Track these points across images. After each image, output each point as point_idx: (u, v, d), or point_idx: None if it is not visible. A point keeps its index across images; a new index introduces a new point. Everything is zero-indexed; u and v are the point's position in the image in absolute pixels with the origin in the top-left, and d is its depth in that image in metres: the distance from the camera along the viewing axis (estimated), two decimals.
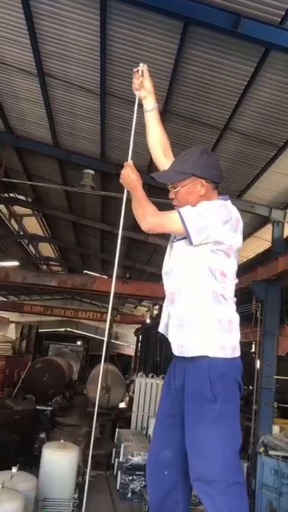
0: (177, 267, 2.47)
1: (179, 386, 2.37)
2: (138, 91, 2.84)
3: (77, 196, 11.35)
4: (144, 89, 2.84)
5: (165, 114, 6.86)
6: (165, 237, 2.71)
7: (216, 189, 2.57)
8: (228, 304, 2.40)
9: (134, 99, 2.98)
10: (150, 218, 2.43)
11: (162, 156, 2.82)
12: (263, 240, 10.35)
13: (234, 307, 2.45)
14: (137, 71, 2.85)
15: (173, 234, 2.54)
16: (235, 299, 2.47)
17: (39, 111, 8.09)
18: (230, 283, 2.43)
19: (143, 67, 2.86)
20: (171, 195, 2.59)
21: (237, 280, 2.50)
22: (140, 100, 2.90)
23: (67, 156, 9.20)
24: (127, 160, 2.75)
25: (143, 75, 2.84)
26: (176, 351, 2.41)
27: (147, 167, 7.61)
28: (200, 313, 2.34)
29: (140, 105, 2.95)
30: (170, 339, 2.47)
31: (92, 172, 9.20)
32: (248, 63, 5.49)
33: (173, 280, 2.47)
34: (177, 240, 2.53)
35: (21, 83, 7.40)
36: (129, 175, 2.58)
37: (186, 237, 2.37)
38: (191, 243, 2.33)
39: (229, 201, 2.50)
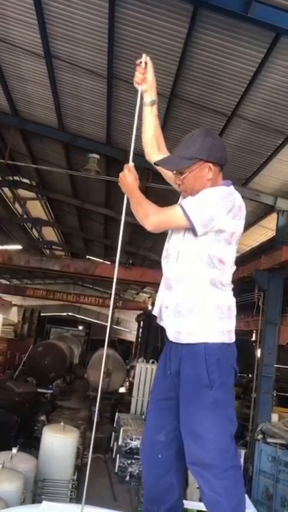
0: (176, 253, 2.45)
1: (175, 371, 2.37)
2: (139, 85, 2.68)
3: (81, 181, 11.32)
4: (146, 83, 2.67)
5: (173, 99, 6.81)
6: None
7: (222, 171, 2.52)
8: (226, 290, 2.40)
9: None
10: (153, 217, 2.37)
11: (156, 153, 2.73)
12: (267, 229, 10.31)
13: (231, 293, 2.45)
14: (140, 63, 2.69)
15: (178, 228, 2.47)
16: (232, 285, 2.47)
17: (45, 94, 8.03)
18: (229, 269, 2.42)
19: (146, 58, 2.69)
20: (177, 181, 2.53)
21: (235, 267, 2.48)
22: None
23: (72, 139, 9.15)
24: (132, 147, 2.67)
25: (146, 67, 2.68)
26: (172, 337, 2.40)
27: None
28: (198, 300, 2.33)
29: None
30: (165, 325, 2.46)
31: (97, 156, 9.14)
32: (257, 49, 5.41)
33: (171, 266, 2.45)
34: None
35: (27, 65, 7.34)
36: (126, 178, 2.49)
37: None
38: (195, 235, 2.31)
39: (232, 187, 2.46)
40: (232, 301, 2.43)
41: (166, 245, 2.55)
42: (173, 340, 2.40)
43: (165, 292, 2.46)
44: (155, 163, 2.61)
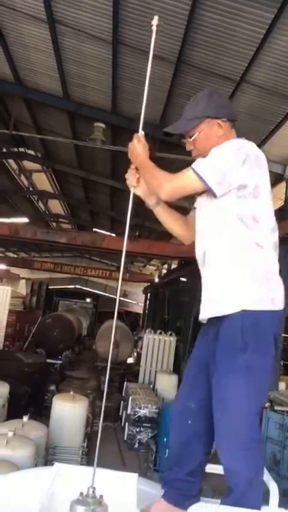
0: (205, 225, 2.34)
1: (212, 337, 2.25)
2: (135, 188, 2.46)
3: (86, 151, 11.17)
4: (143, 186, 2.45)
5: (179, 65, 6.64)
6: None
7: (234, 128, 2.41)
8: (264, 252, 2.21)
9: (147, 48, 2.71)
10: (166, 185, 2.24)
11: (188, 231, 2.56)
12: (276, 199, 10.18)
13: (272, 254, 2.24)
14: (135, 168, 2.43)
15: (194, 193, 2.34)
16: (275, 244, 2.26)
17: (49, 61, 7.87)
18: (265, 227, 2.23)
19: (157, 21, 2.42)
20: (188, 146, 2.41)
21: (275, 224, 2.27)
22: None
23: (77, 108, 8.99)
24: (140, 119, 2.48)
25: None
26: (208, 313, 2.28)
27: (159, 120, 7.44)
28: (231, 267, 2.19)
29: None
30: (202, 304, 2.32)
31: (102, 125, 8.99)
32: (267, 9, 5.21)
33: (202, 240, 2.34)
34: (199, 195, 2.38)
35: (30, 31, 7.17)
36: (136, 148, 2.34)
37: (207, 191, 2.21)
38: (214, 196, 2.17)
39: (246, 140, 2.31)
40: (271, 264, 2.24)
41: (196, 227, 2.44)
42: (208, 316, 2.28)
43: (202, 271, 2.35)
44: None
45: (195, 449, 2.30)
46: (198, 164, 2.19)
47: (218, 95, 2.45)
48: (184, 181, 2.23)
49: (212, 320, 2.28)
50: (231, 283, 2.19)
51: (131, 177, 2.46)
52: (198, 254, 2.37)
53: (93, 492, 1.88)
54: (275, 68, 6.22)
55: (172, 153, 8.07)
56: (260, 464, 2.15)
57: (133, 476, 2.16)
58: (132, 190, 2.48)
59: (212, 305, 2.27)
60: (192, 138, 2.37)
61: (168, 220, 2.60)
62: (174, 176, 2.27)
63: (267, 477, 2.12)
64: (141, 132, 2.43)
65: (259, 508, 2.02)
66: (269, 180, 2.30)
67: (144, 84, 2.52)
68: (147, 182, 2.38)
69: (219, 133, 2.33)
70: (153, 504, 2.22)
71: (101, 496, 1.89)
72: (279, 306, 2.18)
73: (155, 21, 2.44)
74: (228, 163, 2.16)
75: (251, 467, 2.08)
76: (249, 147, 2.24)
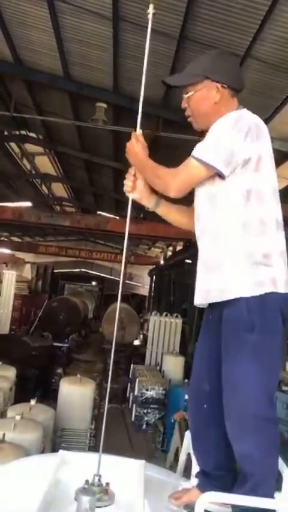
0: (203, 206, 2.21)
1: (216, 317, 2.16)
2: (130, 193, 2.38)
3: (89, 133, 11.03)
4: (138, 191, 2.37)
5: (182, 41, 6.46)
6: None
7: (236, 97, 2.24)
8: (267, 230, 2.08)
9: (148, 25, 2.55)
10: (172, 182, 2.11)
11: (190, 217, 2.41)
12: (281, 178, 10.03)
13: (277, 234, 2.10)
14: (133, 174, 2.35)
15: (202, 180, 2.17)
16: (279, 222, 2.12)
17: (49, 40, 7.68)
18: (268, 203, 2.10)
19: (153, 9, 2.30)
20: (183, 103, 2.29)
21: (278, 199, 2.15)
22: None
23: (78, 88, 8.82)
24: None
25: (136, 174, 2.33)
26: (200, 298, 2.19)
27: (161, 100, 7.27)
28: (228, 249, 2.08)
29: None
30: (196, 288, 2.23)
31: (104, 105, 8.83)
32: None
33: (201, 222, 2.22)
34: None
35: (29, 9, 6.98)
36: (134, 148, 2.23)
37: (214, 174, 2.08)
38: (222, 178, 2.04)
39: (244, 110, 2.16)
40: (275, 243, 2.10)
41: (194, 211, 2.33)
42: (201, 301, 2.21)
43: (199, 255, 2.24)
44: (162, 81, 2.34)
45: (214, 434, 2.19)
46: (198, 150, 2.07)
47: (227, 56, 2.32)
48: (189, 172, 2.10)
49: (213, 304, 2.19)
50: (226, 269, 2.09)
51: (127, 183, 2.37)
52: (197, 238, 2.27)
53: (99, 480, 1.84)
54: (280, 41, 6.03)
55: (176, 133, 7.93)
56: (275, 446, 2.05)
57: (140, 463, 2.11)
58: (129, 196, 2.39)
59: (207, 290, 2.17)
60: (188, 95, 2.25)
61: (173, 215, 2.51)
62: (177, 170, 2.14)
63: (279, 462, 2.04)
64: (139, 131, 2.31)
65: (272, 495, 1.95)
66: (271, 149, 2.19)
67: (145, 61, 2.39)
68: (151, 183, 2.27)
69: (215, 98, 2.19)
70: (187, 492, 2.17)
71: (107, 484, 1.84)
72: (281, 289, 2.06)
73: (150, 9, 2.32)
74: (230, 139, 2.03)
75: (262, 449, 1.98)
76: (248, 117, 2.12)
